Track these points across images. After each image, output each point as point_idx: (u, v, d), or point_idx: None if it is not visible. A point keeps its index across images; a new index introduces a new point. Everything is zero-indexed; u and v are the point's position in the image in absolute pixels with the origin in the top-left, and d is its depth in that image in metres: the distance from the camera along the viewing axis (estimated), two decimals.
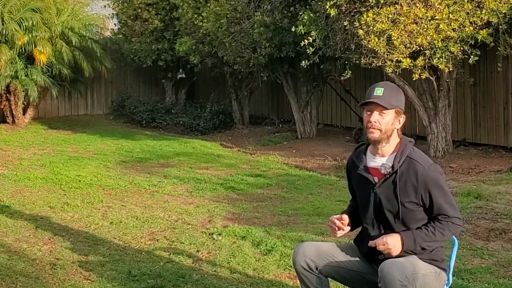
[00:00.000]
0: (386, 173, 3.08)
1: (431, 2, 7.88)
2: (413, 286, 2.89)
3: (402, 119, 3.12)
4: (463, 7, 7.90)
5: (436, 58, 8.08)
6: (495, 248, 5.02)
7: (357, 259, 3.22)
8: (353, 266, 3.20)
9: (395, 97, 3.11)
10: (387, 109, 3.06)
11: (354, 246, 3.31)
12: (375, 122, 3.07)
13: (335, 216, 3.23)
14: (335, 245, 3.31)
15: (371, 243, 3.05)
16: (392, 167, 3.06)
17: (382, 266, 2.94)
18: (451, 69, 8.41)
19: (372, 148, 3.17)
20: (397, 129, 3.13)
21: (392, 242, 3.00)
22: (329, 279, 3.28)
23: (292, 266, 4.49)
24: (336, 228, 3.20)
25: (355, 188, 3.27)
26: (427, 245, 3.02)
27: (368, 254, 3.18)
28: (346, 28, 8.46)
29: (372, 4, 8.01)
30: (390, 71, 8.25)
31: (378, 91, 3.09)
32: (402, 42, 7.90)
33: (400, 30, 7.87)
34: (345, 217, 3.19)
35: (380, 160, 3.12)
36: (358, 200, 3.24)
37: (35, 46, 12.93)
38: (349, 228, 3.23)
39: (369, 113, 3.10)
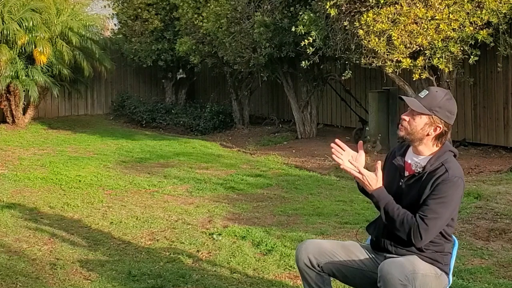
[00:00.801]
0: (416, 171, 3.09)
1: (431, 2, 7.88)
2: (412, 286, 2.89)
3: (439, 128, 3.03)
4: (463, 7, 7.91)
5: (436, 58, 8.08)
6: (495, 248, 5.01)
7: (359, 257, 3.22)
8: (355, 263, 3.20)
9: (436, 104, 3.02)
10: (415, 111, 3.04)
11: (356, 244, 3.32)
12: (404, 119, 3.09)
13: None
14: (337, 243, 3.33)
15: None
16: (424, 167, 3.06)
17: (381, 265, 2.94)
18: (451, 69, 8.42)
19: (413, 147, 3.17)
20: (435, 137, 3.06)
21: (367, 181, 3.05)
22: (331, 278, 3.29)
23: (293, 266, 4.51)
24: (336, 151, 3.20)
25: (385, 175, 3.20)
26: (384, 212, 3.01)
27: (375, 242, 3.20)
28: (346, 28, 8.46)
29: (372, 4, 8.01)
30: (390, 71, 8.25)
31: (423, 93, 3.09)
32: (402, 42, 7.90)
33: (400, 30, 7.87)
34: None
35: (416, 157, 3.13)
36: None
37: (35, 46, 12.94)
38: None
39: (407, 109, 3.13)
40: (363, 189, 3.19)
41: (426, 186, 3.00)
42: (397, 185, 3.12)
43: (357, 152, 3.20)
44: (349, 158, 3.15)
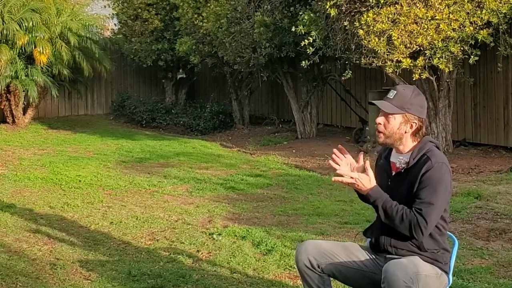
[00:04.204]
0: (400, 167, 3.13)
1: (431, 2, 7.88)
2: (416, 287, 2.89)
3: (415, 124, 3.08)
4: (463, 7, 7.91)
5: (436, 58, 8.08)
6: (495, 248, 5.02)
7: (359, 257, 3.22)
8: (355, 264, 3.20)
9: (407, 101, 3.06)
10: (388, 113, 3.08)
11: (355, 245, 3.32)
12: (379, 123, 3.12)
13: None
14: (337, 244, 3.33)
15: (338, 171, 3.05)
16: (407, 163, 3.09)
17: (386, 267, 2.94)
18: (451, 69, 8.41)
19: (395, 147, 3.21)
20: (413, 132, 3.09)
21: (361, 182, 3.02)
22: (331, 278, 3.29)
23: (293, 266, 4.51)
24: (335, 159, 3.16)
25: (377, 179, 3.22)
26: (382, 211, 3.01)
27: (374, 244, 3.21)
28: (346, 28, 8.46)
29: (372, 4, 8.01)
30: (390, 71, 8.25)
31: (391, 93, 3.12)
32: (402, 42, 7.90)
33: (400, 30, 7.87)
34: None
35: (399, 156, 3.17)
36: None
37: (35, 47, 12.95)
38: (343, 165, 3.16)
39: (380, 114, 3.15)
40: (361, 196, 3.19)
41: (414, 179, 3.03)
42: (386, 185, 3.15)
43: (357, 162, 3.17)
44: (347, 166, 3.14)
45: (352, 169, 3.14)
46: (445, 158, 3.08)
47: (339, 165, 3.12)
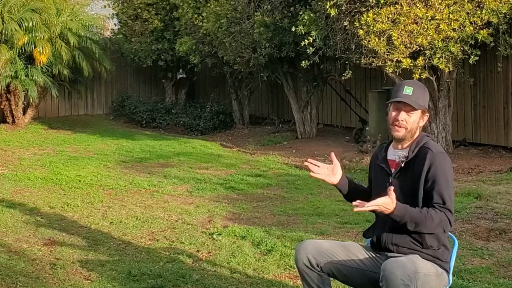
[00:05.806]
0: (400, 162, 3.17)
1: (431, 2, 7.88)
2: (414, 286, 2.90)
3: (426, 117, 3.24)
4: (463, 7, 7.91)
5: (436, 58, 8.08)
6: (495, 248, 5.02)
7: (359, 257, 3.23)
8: (354, 263, 3.21)
9: (422, 96, 3.19)
10: (415, 109, 3.15)
11: (355, 244, 3.32)
12: (402, 121, 3.16)
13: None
14: (337, 243, 3.34)
15: (368, 205, 3.00)
16: (407, 157, 3.15)
17: (384, 265, 2.94)
18: (451, 69, 8.42)
19: (394, 144, 3.28)
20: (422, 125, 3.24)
21: (384, 202, 2.99)
22: (331, 278, 3.29)
23: (293, 266, 4.51)
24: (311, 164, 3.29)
25: (373, 179, 3.37)
26: (412, 223, 3.00)
27: (376, 243, 3.22)
28: (346, 28, 8.46)
29: (372, 4, 8.01)
30: (390, 71, 8.25)
31: (408, 90, 3.16)
32: (402, 42, 7.90)
33: (400, 30, 7.87)
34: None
35: (397, 152, 3.23)
36: (374, 191, 3.28)
37: (35, 47, 12.94)
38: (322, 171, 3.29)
39: (396, 111, 3.18)
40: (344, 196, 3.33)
41: (419, 171, 3.08)
42: (387, 184, 3.16)
43: (332, 163, 3.33)
44: (326, 171, 3.29)
45: (332, 171, 3.30)
46: (442, 148, 3.19)
47: (319, 173, 3.27)
